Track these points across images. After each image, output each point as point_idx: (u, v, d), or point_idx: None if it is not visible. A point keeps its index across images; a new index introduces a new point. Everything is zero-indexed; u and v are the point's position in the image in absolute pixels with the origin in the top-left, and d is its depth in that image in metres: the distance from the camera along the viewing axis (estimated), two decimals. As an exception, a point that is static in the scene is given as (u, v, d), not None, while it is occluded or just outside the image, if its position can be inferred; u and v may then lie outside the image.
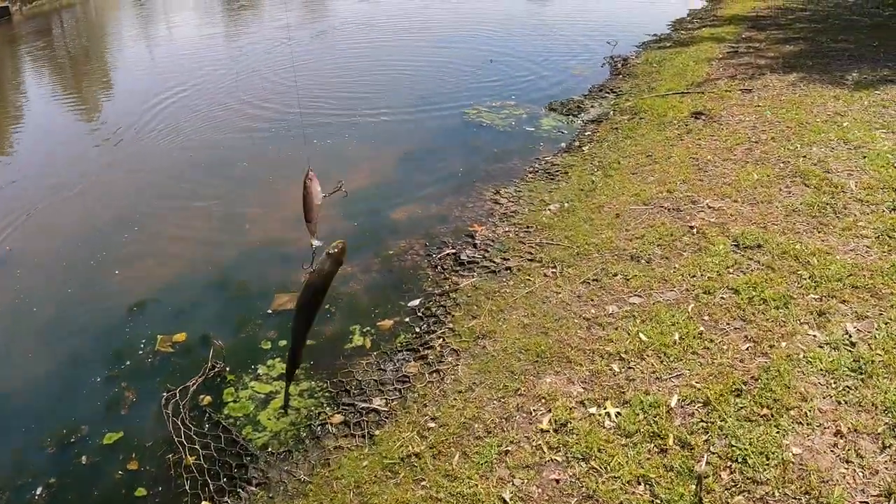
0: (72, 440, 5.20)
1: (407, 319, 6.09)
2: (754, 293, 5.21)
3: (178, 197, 9.26)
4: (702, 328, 4.95)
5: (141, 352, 6.11)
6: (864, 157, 7.37)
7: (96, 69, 19.03)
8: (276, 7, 26.10)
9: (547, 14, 19.83)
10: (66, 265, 7.74)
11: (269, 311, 6.51)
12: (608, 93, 11.86)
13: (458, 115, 11.25)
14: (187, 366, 5.86)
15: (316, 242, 3.56)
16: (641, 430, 4.13)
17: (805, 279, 5.33)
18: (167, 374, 5.82)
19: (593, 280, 5.85)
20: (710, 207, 6.76)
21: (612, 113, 10.68)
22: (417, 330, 5.90)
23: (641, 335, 4.97)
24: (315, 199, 3.31)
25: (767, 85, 10.61)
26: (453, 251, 6.95)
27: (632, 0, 21.29)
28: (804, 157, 7.60)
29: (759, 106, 9.62)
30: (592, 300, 5.57)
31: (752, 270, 5.56)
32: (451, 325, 5.74)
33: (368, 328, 6.08)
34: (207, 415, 5.33)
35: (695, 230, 6.35)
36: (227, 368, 5.77)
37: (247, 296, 6.90)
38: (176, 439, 5.11)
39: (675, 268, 5.79)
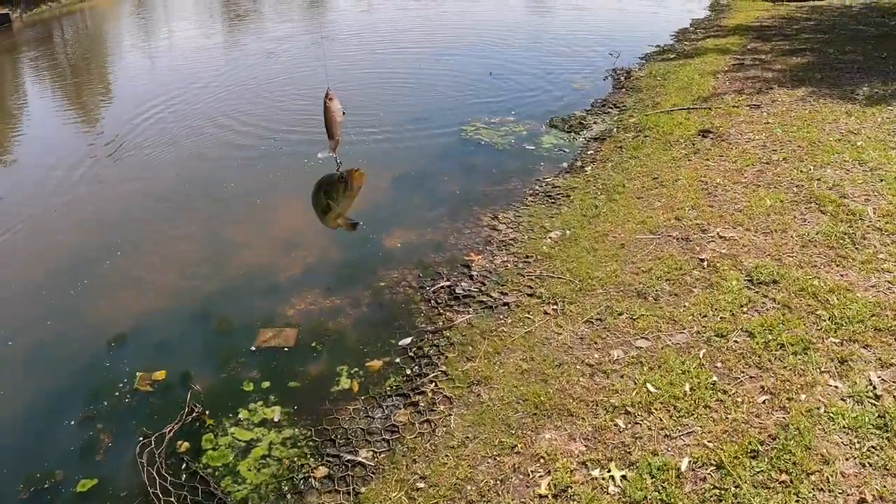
0: (45, 485, 4.89)
1: (398, 360, 5.70)
2: (770, 337, 4.84)
3: (163, 219, 8.91)
4: (714, 377, 4.57)
5: (118, 392, 5.76)
6: (882, 180, 7.01)
7: (94, 78, 18.80)
8: (274, 18, 25.86)
9: (548, 26, 19.44)
10: (45, 293, 7.39)
11: (253, 349, 6.14)
12: (611, 108, 11.47)
13: (456, 132, 10.85)
14: (166, 407, 5.52)
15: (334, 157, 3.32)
16: (649, 496, 3.75)
17: (824, 320, 4.95)
18: (145, 415, 5.49)
19: (597, 319, 5.47)
20: (721, 237, 6.38)
21: (615, 130, 10.30)
22: (408, 372, 5.51)
23: (649, 385, 4.58)
24: (337, 115, 3.22)
25: (776, 100, 10.25)
26: (448, 284, 6.57)
27: (634, 10, 20.89)
28: (818, 180, 7.24)
29: (768, 123, 9.25)
30: (596, 343, 5.18)
31: (767, 310, 5.18)
32: (444, 368, 5.36)
33: (356, 369, 5.70)
34: (185, 463, 4.98)
35: (705, 263, 5.96)
36: (207, 412, 5.41)
37: (230, 330, 6.54)
38: (151, 490, 4.77)
39: (684, 306, 5.40)
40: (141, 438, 5.19)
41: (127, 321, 6.80)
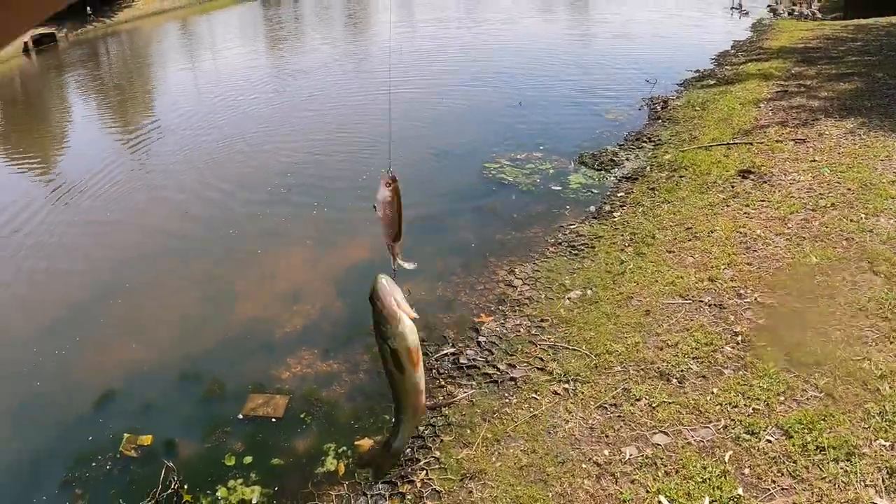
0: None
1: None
2: (809, 437, 4.15)
3: (167, 261, 8.75)
4: (740, 489, 3.90)
5: (102, 455, 5.50)
6: (944, 233, 6.26)
7: (134, 101, 19.03)
8: (314, 38, 25.72)
9: (585, 52, 18.70)
10: (44, 341, 7.25)
11: (241, 416, 5.78)
12: (645, 142, 10.77)
13: (478, 169, 10.26)
14: (147, 476, 5.17)
15: (407, 265, 2.15)
16: None
17: (873, 416, 4.25)
18: (125, 484, 5.21)
19: (611, 405, 4.83)
20: (759, 304, 5.69)
21: (648, 168, 9.61)
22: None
23: (662, 498, 3.94)
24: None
25: (823, 133, 9.46)
26: (453, 351, 6.00)
27: (674, 34, 20.04)
28: (871, 231, 6.50)
29: (814, 161, 8.49)
30: (607, 436, 4.55)
31: (807, 400, 4.49)
32: (437, 454, 4.80)
33: (345, 448, 5.24)
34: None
35: (740, 338, 5.28)
36: (185, 486, 5.05)
37: (221, 393, 6.19)
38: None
39: (712, 392, 4.73)
40: None
41: (117, 377, 6.54)
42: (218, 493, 4.97)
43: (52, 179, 12.98)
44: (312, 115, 14.75)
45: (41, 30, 37.27)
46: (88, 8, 40.37)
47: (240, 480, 5.07)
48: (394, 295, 1.96)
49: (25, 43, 35.19)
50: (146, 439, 5.63)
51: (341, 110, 14.64)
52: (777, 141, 9.47)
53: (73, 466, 5.42)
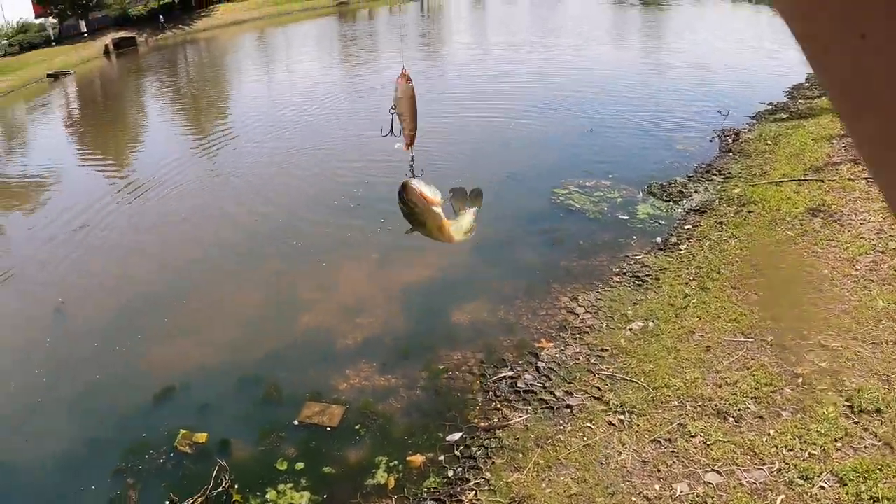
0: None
1: (441, 458, 5.33)
2: (864, 486, 4.15)
3: (232, 265, 9.16)
4: (793, 535, 3.94)
5: (157, 448, 5.79)
6: None
7: (209, 107, 19.77)
8: (386, 56, 26.18)
9: (656, 79, 18.54)
10: (109, 335, 7.69)
11: (296, 423, 5.99)
12: (715, 174, 10.72)
13: (547, 194, 10.37)
14: (200, 473, 5.44)
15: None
16: None
17: (935, 469, 4.22)
18: (177, 478, 5.47)
19: (666, 440, 4.89)
20: (822, 346, 5.67)
21: (717, 201, 9.57)
22: (450, 474, 5.13)
23: (714, 537, 4.00)
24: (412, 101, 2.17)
25: (899, 173, 9.27)
26: (511, 374, 6.13)
27: (749, 63, 19.71)
28: (942, 277, 6.39)
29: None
30: (659, 470, 4.62)
31: (865, 447, 4.48)
32: (488, 475, 4.94)
33: (396, 462, 5.40)
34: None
35: (800, 380, 5.28)
36: (236, 486, 5.28)
37: (278, 398, 6.44)
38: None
39: (769, 434, 4.76)
40: (167, 503, 5.14)
41: (178, 374, 6.86)
42: (267, 496, 5.16)
43: (123, 178, 13.72)
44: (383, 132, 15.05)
45: (122, 33, 39.10)
46: (161, 17, 42.15)
47: (290, 485, 5.24)
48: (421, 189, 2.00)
49: (106, 45, 36.95)
50: (201, 437, 5.88)
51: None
52: (849, 179, 9.33)
53: (127, 457, 5.69)
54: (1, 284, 9.09)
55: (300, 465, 5.43)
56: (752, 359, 5.67)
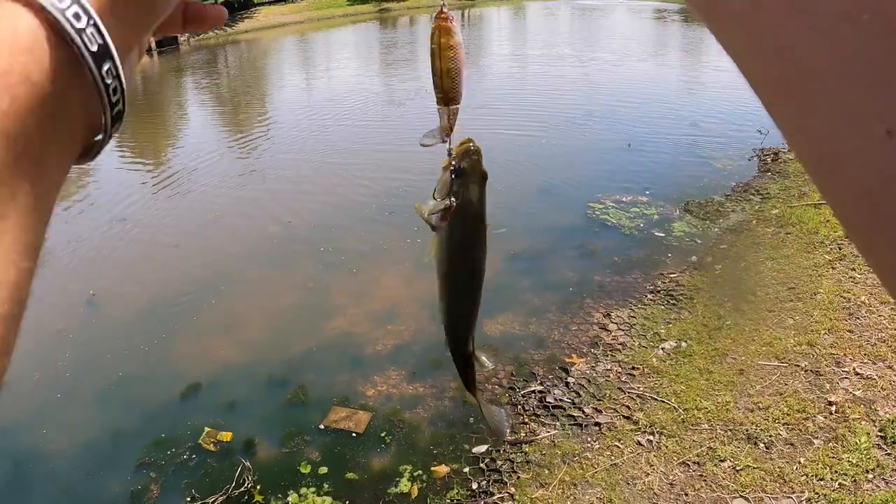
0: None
1: (466, 470, 5.32)
2: (898, 520, 4.10)
3: (264, 266, 9.20)
4: (821, 566, 3.90)
5: (181, 444, 5.84)
6: None
7: (249, 107, 19.98)
8: (425, 64, 26.26)
9: (695, 96, 18.37)
10: (138, 329, 7.80)
11: (322, 426, 6.01)
12: (753, 194, 10.61)
13: (582, 208, 10.34)
14: (222, 471, 5.50)
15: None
16: None
17: (971, 506, 4.15)
18: (199, 475, 5.51)
19: (695, 463, 4.88)
20: (857, 374, 5.61)
21: (754, 222, 9.48)
22: (474, 487, 5.13)
23: (741, 564, 3.98)
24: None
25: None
26: (540, 388, 6.13)
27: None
28: (984, 310, 6.28)
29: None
30: (687, 494, 4.60)
31: (898, 480, 4.43)
32: (512, 490, 4.95)
33: (420, 472, 5.39)
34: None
35: (834, 408, 5.23)
36: (258, 487, 5.32)
37: (305, 401, 6.46)
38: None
39: (799, 462, 4.72)
40: (188, 500, 5.20)
41: (206, 371, 6.94)
42: (289, 499, 5.19)
43: (160, 174, 13.91)
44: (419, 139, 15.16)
45: (163, 32, 39.78)
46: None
47: (312, 489, 5.26)
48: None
49: (149, 44, 37.60)
50: (226, 435, 5.93)
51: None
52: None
53: (151, 451, 5.76)
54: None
55: (324, 470, 5.46)
56: (786, 384, 5.62)
